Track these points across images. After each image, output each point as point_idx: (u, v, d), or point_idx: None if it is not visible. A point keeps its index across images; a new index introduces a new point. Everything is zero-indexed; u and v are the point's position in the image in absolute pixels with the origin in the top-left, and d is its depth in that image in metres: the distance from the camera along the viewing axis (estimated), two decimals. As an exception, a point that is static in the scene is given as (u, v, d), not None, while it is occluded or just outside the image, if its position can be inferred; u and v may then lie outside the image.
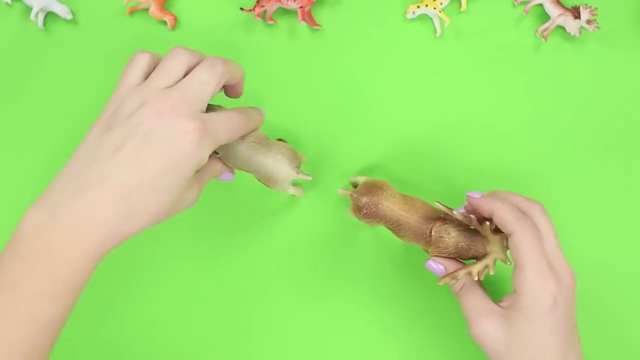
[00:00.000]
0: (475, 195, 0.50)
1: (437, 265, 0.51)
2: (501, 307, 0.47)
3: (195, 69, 0.44)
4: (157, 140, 0.40)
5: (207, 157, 0.43)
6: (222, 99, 0.63)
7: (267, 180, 0.53)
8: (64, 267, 0.39)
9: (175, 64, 0.44)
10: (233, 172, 0.54)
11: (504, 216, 0.46)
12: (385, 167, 0.63)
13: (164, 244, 0.62)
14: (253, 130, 0.51)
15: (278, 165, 0.52)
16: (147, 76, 0.45)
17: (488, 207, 0.47)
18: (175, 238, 0.62)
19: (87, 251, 0.40)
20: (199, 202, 0.63)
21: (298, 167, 0.54)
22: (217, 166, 0.52)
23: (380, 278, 0.61)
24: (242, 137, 0.52)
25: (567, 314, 0.45)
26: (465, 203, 0.51)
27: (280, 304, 0.61)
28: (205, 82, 0.43)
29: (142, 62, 0.45)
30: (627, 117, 0.65)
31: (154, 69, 0.45)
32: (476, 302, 0.48)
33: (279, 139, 0.59)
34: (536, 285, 0.44)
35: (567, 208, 0.62)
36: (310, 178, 0.54)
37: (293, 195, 0.58)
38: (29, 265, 0.39)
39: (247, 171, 0.54)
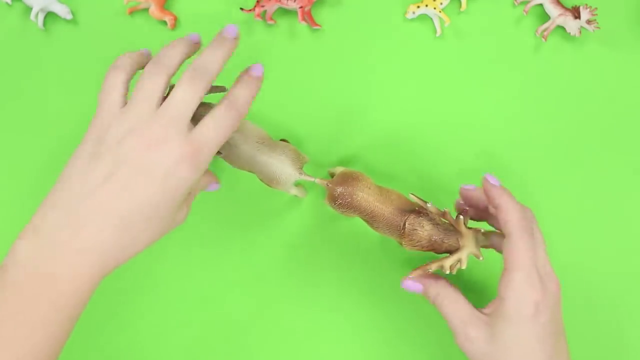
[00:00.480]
0: (470, 187, 0.51)
1: (415, 284, 0.51)
2: (484, 314, 0.47)
3: (177, 86, 0.43)
4: (148, 169, 0.40)
5: (199, 178, 0.43)
6: (215, 97, 0.63)
7: (269, 180, 0.53)
8: (64, 297, 0.40)
9: (154, 83, 0.43)
10: (218, 182, 0.53)
11: (510, 214, 0.45)
12: (376, 162, 0.63)
13: (164, 244, 0.62)
14: (248, 107, 0.47)
15: (281, 166, 0.52)
16: (126, 94, 0.44)
17: (498, 199, 0.47)
18: (175, 238, 0.62)
19: (84, 281, 0.40)
20: (200, 202, 0.63)
21: (301, 168, 0.54)
22: (205, 180, 0.51)
23: (381, 278, 0.61)
24: (245, 137, 0.52)
25: (552, 321, 0.44)
26: (469, 186, 0.52)
27: (281, 304, 0.61)
28: (189, 101, 0.42)
29: (118, 82, 0.44)
30: (627, 117, 0.65)
31: (132, 77, 0.45)
32: (460, 311, 0.47)
33: (282, 140, 0.59)
34: (521, 291, 0.43)
35: (566, 207, 0.62)
36: (313, 179, 0.54)
37: (295, 195, 0.58)
38: (28, 296, 0.39)
39: (250, 171, 0.54)
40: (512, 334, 0.44)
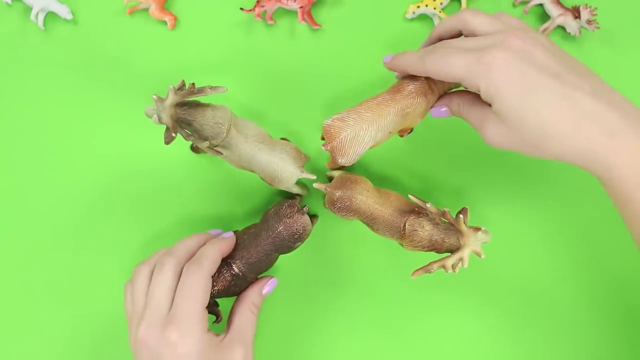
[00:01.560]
0: (387, 59, 0.52)
1: (439, 110, 0.52)
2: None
3: (184, 272, 0.48)
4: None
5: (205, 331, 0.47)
6: (214, 98, 0.63)
7: (271, 179, 0.53)
8: None
9: (165, 274, 0.48)
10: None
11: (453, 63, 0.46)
12: (375, 163, 0.63)
13: (163, 244, 0.62)
14: (213, 263, 0.51)
15: (283, 164, 0.52)
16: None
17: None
18: (175, 238, 0.62)
19: None
20: (200, 203, 0.63)
21: (302, 166, 0.54)
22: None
23: (381, 279, 0.61)
24: (246, 137, 0.52)
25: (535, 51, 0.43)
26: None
27: (279, 305, 0.61)
28: (196, 287, 0.47)
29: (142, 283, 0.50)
30: (627, 117, 0.65)
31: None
32: (475, 115, 0.48)
33: (283, 139, 0.59)
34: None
35: (568, 203, 0.62)
36: (314, 177, 0.54)
37: (297, 194, 0.58)
38: None
39: (251, 170, 0.54)
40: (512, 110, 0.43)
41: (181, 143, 0.63)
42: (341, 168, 0.60)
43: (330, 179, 0.57)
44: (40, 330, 0.61)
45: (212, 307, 0.54)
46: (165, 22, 0.67)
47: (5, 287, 0.61)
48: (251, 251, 0.52)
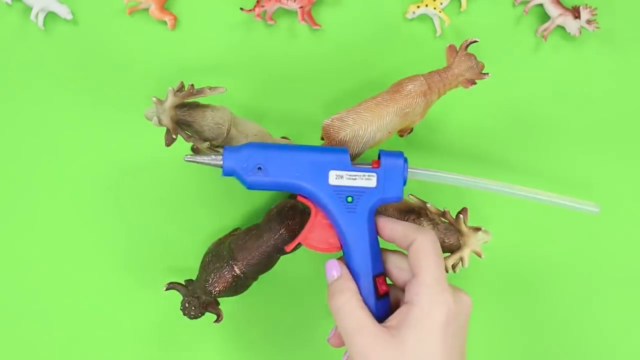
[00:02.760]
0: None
1: (330, 270, 0.44)
2: (387, 327, 0.39)
3: None
4: None
5: None
6: (213, 98, 0.63)
7: None
8: None
9: None
10: None
11: (404, 228, 0.42)
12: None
13: (163, 246, 0.62)
14: None
15: None
16: None
17: (387, 228, 0.44)
18: (176, 238, 0.62)
19: None
20: (202, 201, 0.63)
21: None
22: None
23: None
24: (246, 137, 0.52)
25: (459, 335, 0.39)
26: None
27: (281, 301, 0.61)
28: None
29: None
30: (627, 116, 0.65)
31: None
32: (355, 320, 0.39)
33: (283, 137, 0.59)
34: (434, 293, 0.39)
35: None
36: None
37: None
38: None
39: None
40: (418, 340, 0.37)
41: (182, 144, 0.63)
42: None
43: None
44: (38, 332, 0.61)
45: (213, 307, 0.54)
46: (165, 22, 0.67)
47: (4, 288, 0.61)
48: (253, 253, 0.52)
